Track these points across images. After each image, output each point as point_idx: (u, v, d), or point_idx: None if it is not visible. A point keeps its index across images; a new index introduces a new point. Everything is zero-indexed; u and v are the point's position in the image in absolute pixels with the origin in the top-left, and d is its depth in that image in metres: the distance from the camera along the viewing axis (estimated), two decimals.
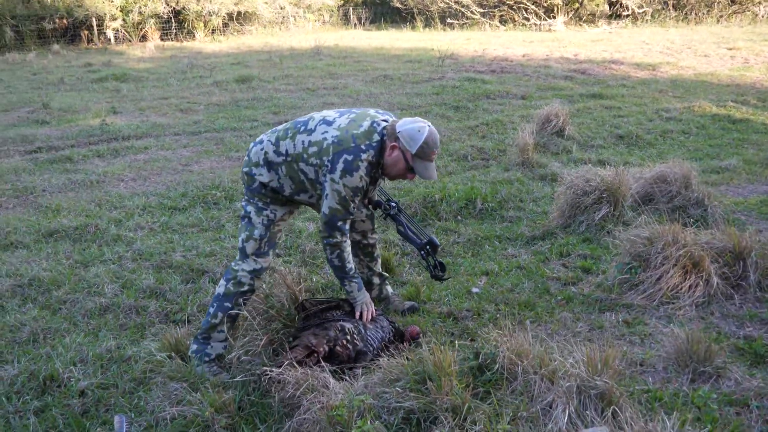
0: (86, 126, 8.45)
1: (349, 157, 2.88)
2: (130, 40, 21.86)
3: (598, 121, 8.05)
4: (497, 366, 2.60)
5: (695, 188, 4.71)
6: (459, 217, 5.07)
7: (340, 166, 2.88)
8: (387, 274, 3.71)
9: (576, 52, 14.58)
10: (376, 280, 3.62)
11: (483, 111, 8.85)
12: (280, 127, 3.14)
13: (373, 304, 3.18)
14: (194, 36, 23.06)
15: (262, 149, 3.07)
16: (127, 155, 7.13)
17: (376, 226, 3.56)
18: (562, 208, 4.74)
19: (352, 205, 2.96)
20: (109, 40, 21.54)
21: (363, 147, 2.91)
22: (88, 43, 21.53)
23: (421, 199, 5.20)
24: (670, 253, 3.51)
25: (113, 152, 7.21)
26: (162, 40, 22.34)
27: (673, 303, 3.43)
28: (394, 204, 3.34)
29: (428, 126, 2.97)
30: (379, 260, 3.63)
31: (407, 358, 2.59)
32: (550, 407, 2.44)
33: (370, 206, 3.43)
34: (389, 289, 3.68)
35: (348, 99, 9.99)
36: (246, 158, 3.14)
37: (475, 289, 3.80)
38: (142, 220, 5.12)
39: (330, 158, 2.90)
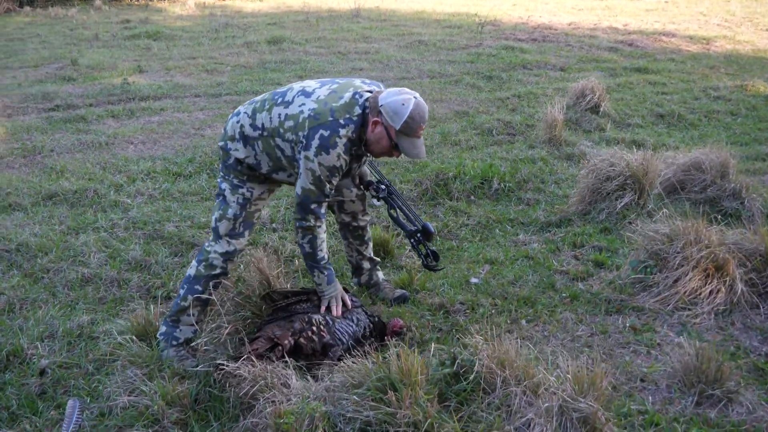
0: (108, 84, 8.32)
1: (326, 133, 2.60)
2: None
3: (638, 98, 7.56)
4: (474, 375, 2.33)
5: (732, 178, 4.30)
6: (472, 197, 4.75)
7: (315, 142, 2.60)
8: (378, 259, 3.45)
9: (626, 22, 13.83)
10: (366, 264, 3.37)
11: (517, 82, 8.40)
12: (258, 97, 2.87)
13: (347, 298, 2.92)
14: None
15: (238, 122, 2.81)
16: (141, 116, 6.96)
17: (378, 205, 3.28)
18: (583, 193, 4.39)
19: (328, 186, 2.69)
20: None
21: (342, 122, 2.62)
22: None
23: (433, 176, 4.89)
24: (690, 253, 3.16)
25: (128, 113, 7.06)
26: None
27: (689, 309, 3.09)
28: (383, 187, 3.05)
29: (414, 98, 2.65)
30: (371, 244, 3.37)
31: (372, 361, 2.34)
32: (528, 427, 2.18)
33: (360, 186, 3.17)
34: (380, 275, 3.43)
35: (378, 64, 9.64)
36: (222, 131, 2.90)
37: (474, 279, 3.52)
38: (143, 186, 4.95)
39: (305, 133, 2.62)
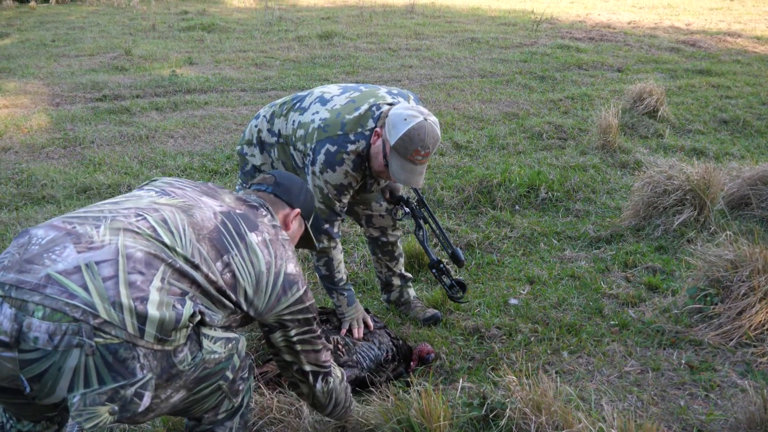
0: (157, 76, 8.30)
1: (332, 148, 2.37)
2: None
3: (700, 102, 7.10)
4: (505, 420, 2.08)
5: None
6: (517, 207, 4.47)
7: (321, 157, 2.38)
8: (410, 276, 3.21)
9: (689, 21, 13.19)
10: (396, 281, 3.14)
11: (571, 83, 8.03)
12: (280, 100, 2.67)
13: (369, 320, 2.70)
14: None
15: (256, 126, 2.63)
16: (185, 110, 6.89)
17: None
18: (637, 206, 4.07)
19: (338, 204, 2.48)
20: None
21: (352, 137, 2.38)
22: None
23: (476, 183, 4.62)
24: (757, 283, 2.82)
25: (172, 106, 6.99)
26: None
27: (755, 346, 2.76)
28: (407, 210, 2.81)
29: (423, 119, 2.32)
30: (402, 260, 3.13)
31: (395, 394, 2.11)
32: None
33: (390, 200, 2.93)
34: (411, 292, 3.19)
35: (428, 62, 9.37)
36: (242, 134, 2.72)
37: (513, 300, 3.26)
38: None
39: (313, 146, 2.40)
